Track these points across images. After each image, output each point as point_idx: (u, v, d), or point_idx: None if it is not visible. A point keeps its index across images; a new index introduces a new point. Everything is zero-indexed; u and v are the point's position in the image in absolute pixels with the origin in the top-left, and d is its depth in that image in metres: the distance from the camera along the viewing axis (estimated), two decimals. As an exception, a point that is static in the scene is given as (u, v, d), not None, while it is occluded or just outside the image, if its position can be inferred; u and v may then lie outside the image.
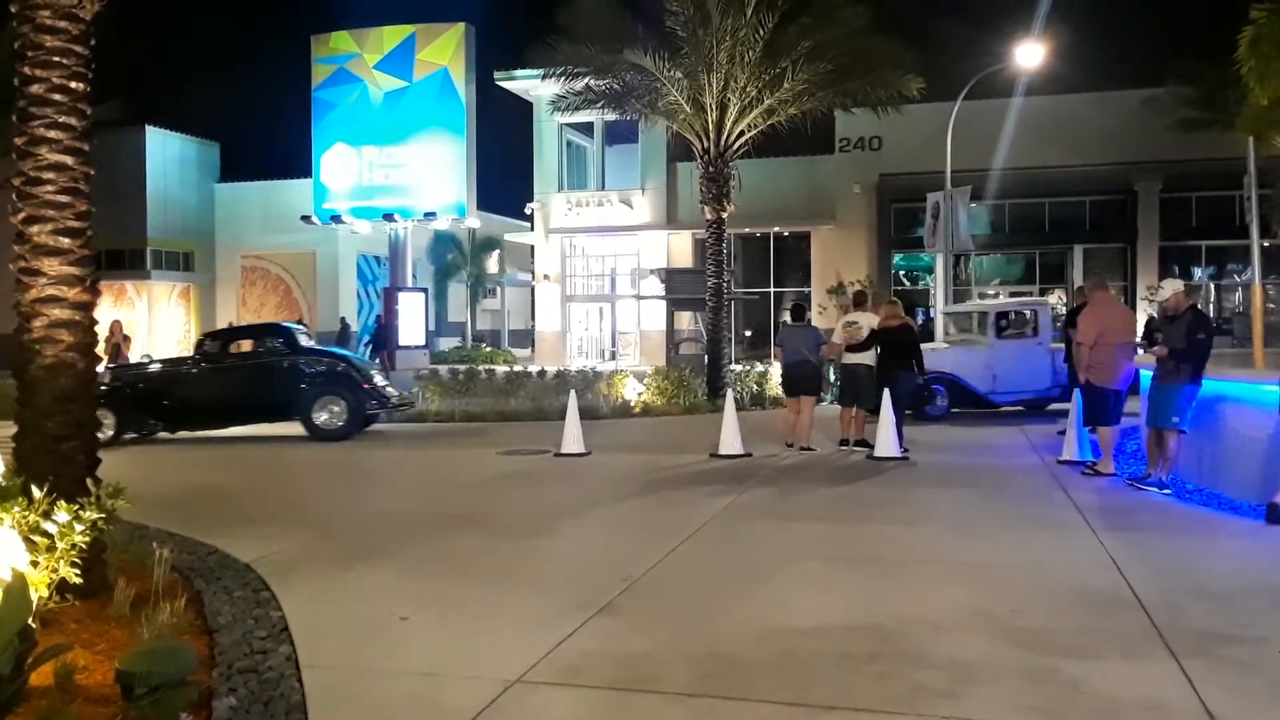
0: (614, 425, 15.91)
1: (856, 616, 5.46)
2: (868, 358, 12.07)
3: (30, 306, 5.71)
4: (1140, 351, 10.94)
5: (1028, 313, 16.75)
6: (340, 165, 35.31)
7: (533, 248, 36.18)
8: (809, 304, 29.28)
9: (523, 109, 34.77)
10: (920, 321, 28.12)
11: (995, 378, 15.93)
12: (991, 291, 32.90)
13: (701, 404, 17.80)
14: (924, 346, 13.73)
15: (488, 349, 37.56)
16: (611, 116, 26.05)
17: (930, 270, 30.91)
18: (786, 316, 14.00)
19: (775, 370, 19.61)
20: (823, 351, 12.58)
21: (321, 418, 14.52)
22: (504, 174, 68.55)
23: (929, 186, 24.41)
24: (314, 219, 35.80)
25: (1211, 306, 30.14)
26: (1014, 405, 16.01)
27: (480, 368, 21.10)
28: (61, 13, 5.73)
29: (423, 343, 35.47)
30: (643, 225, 33.45)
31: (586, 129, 34.23)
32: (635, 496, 9.58)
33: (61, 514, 5.02)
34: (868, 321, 12.20)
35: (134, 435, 14.70)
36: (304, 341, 15.68)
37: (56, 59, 5.72)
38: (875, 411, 11.85)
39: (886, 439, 11.36)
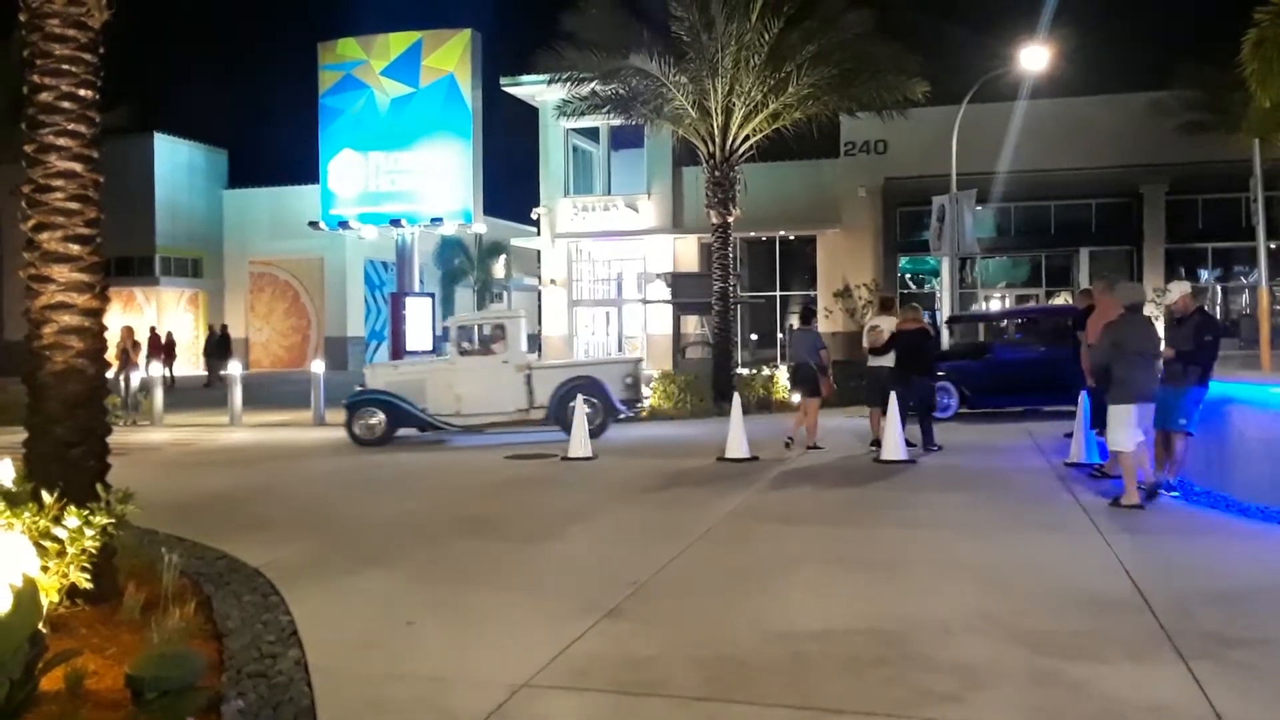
0: (620, 429, 15.91)
1: (863, 620, 5.46)
2: (889, 360, 12.34)
3: (40, 313, 5.74)
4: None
5: (493, 327, 15.43)
6: (347, 171, 35.35)
7: (539, 252, 36.15)
8: (815, 307, 29.22)
9: (529, 114, 34.80)
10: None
11: (459, 398, 14.69)
12: (998, 294, 32.87)
13: (708, 408, 17.82)
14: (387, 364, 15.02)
15: (495, 354, 37.53)
16: (617, 121, 26.03)
17: (936, 273, 30.87)
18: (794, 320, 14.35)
19: (782, 374, 19.83)
20: (821, 355, 12.79)
21: None
22: (510, 179, 68.83)
23: (934, 190, 24.39)
24: (321, 225, 35.83)
25: (1218, 309, 30.07)
26: (481, 428, 14.88)
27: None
28: (70, 21, 5.77)
29: (430, 347, 35.48)
30: (649, 229, 33.44)
31: (592, 134, 34.23)
32: (642, 500, 9.58)
33: (71, 519, 5.05)
34: (889, 325, 12.50)
35: None
36: None
37: (65, 67, 5.77)
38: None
39: (892, 442, 11.42)
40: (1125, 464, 8.42)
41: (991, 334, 16.84)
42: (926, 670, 4.65)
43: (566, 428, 14.41)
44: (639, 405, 15.68)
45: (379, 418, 14.61)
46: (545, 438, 14.60)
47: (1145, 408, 8.40)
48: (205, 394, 26.16)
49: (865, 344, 12.69)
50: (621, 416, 15.39)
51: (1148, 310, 9.40)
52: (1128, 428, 8.28)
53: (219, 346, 29.30)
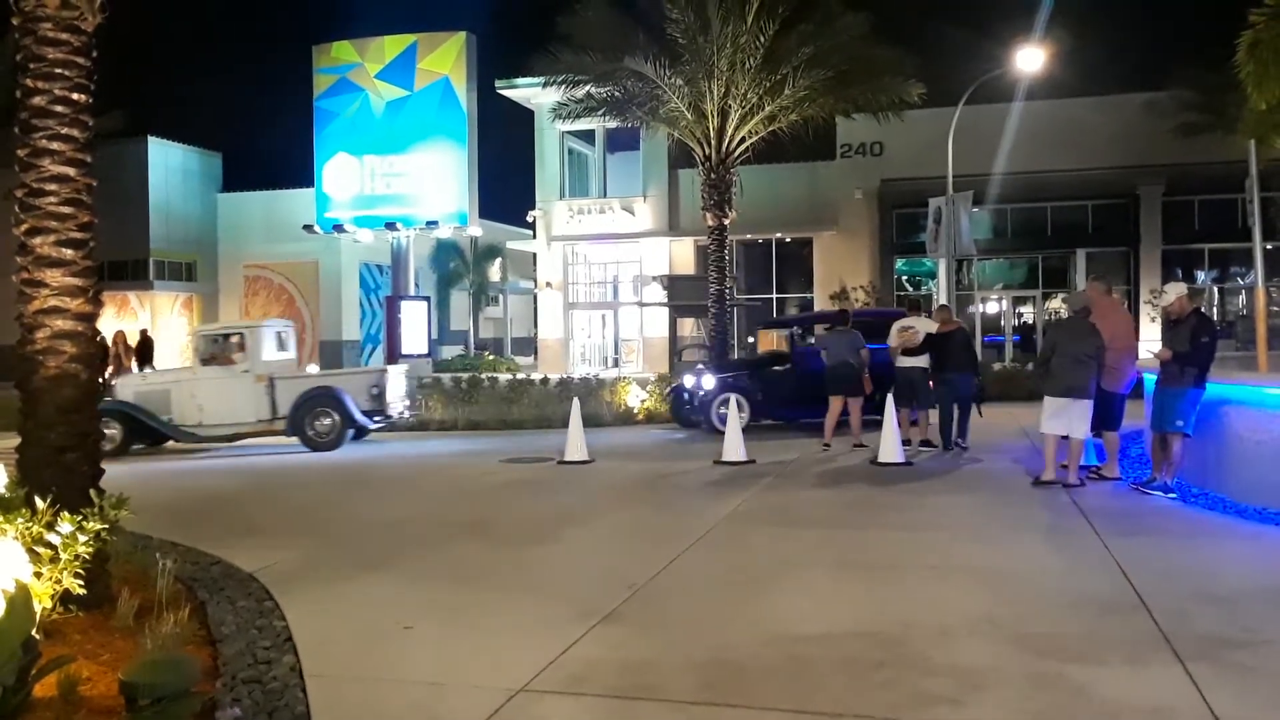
0: (617, 432, 15.91)
1: (861, 623, 5.44)
2: (922, 361, 12.49)
3: (33, 318, 5.71)
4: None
5: (235, 337, 15.31)
6: (342, 174, 35.33)
7: (535, 255, 36.17)
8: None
9: (524, 117, 34.81)
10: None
11: (201, 408, 14.72)
12: (995, 296, 32.91)
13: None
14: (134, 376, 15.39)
15: (490, 357, 37.54)
16: (613, 124, 26.07)
17: (933, 275, 30.92)
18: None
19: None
20: (862, 355, 12.93)
21: None
22: (506, 182, 68.91)
23: (931, 191, 24.40)
24: (316, 228, 35.82)
25: (1215, 310, 30.12)
26: (229, 439, 14.96)
27: (483, 376, 21.16)
28: (63, 25, 5.75)
29: (425, 351, 35.45)
30: (645, 232, 33.45)
31: (588, 136, 34.26)
32: (639, 503, 9.57)
33: (65, 525, 5.02)
34: (924, 326, 12.64)
35: None
36: None
37: (58, 71, 5.74)
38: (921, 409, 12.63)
39: (889, 444, 11.42)
40: (1046, 445, 9.75)
41: (791, 341, 16.05)
42: (925, 673, 4.64)
43: (305, 440, 14.55)
44: (389, 416, 15.34)
45: (114, 429, 14.43)
46: (298, 448, 14.58)
47: (1078, 404, 9.38)
48: None
49: (894, 344, 12.72)
50: (373, 428, 15.19)
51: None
52: (1049, 415, 9.53)
53: (143, 352, 29.20)
